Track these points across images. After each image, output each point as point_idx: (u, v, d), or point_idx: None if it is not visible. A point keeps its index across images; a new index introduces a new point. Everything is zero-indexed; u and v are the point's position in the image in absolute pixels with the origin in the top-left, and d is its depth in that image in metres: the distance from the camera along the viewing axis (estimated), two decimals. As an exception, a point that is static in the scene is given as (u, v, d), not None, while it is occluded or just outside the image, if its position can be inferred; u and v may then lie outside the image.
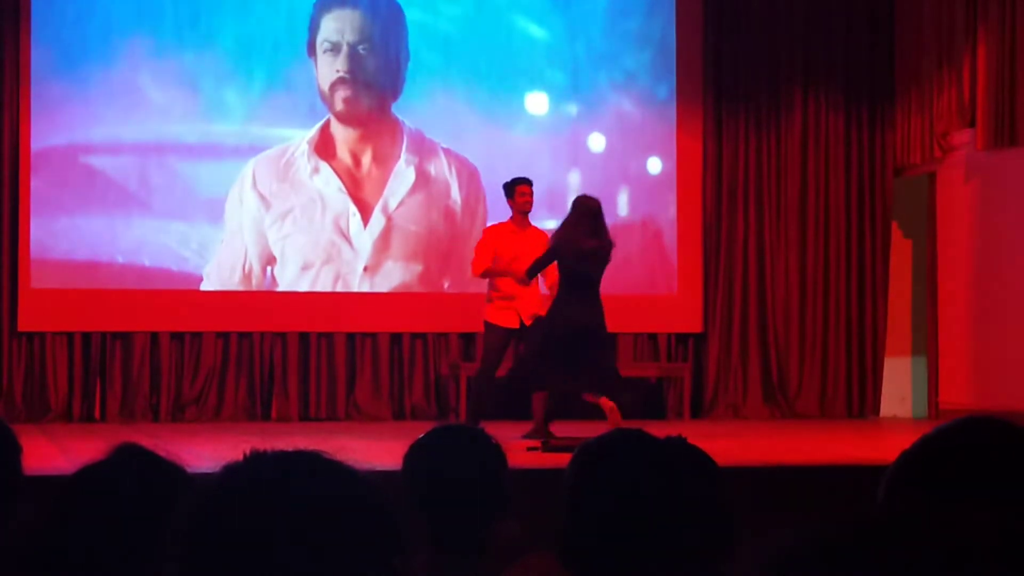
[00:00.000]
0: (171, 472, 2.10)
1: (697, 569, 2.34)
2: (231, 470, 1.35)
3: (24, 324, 12.09)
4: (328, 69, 12.75)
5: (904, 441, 2.13)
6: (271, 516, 1.28)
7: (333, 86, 12.75)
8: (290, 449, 1.37)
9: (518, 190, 10.29)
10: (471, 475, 2.75)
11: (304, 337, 12.66)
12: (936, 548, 0.99)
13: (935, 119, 13.03)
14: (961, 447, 2.08)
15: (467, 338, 12.76)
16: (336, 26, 12.81)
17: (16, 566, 2.14)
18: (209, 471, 1.41)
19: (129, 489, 2.07)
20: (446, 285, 12.91)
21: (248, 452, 1.37)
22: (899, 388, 13.80)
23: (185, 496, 1.35)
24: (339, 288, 12.66)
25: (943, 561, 0.98)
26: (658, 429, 2.61)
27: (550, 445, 8.73)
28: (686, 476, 2.39)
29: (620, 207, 13.31)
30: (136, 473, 2.11)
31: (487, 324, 10.35)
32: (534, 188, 10.60)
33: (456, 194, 12.95)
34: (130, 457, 2.17)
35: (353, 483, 1.33)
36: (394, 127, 12.91)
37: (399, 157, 12.87)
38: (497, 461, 2.81)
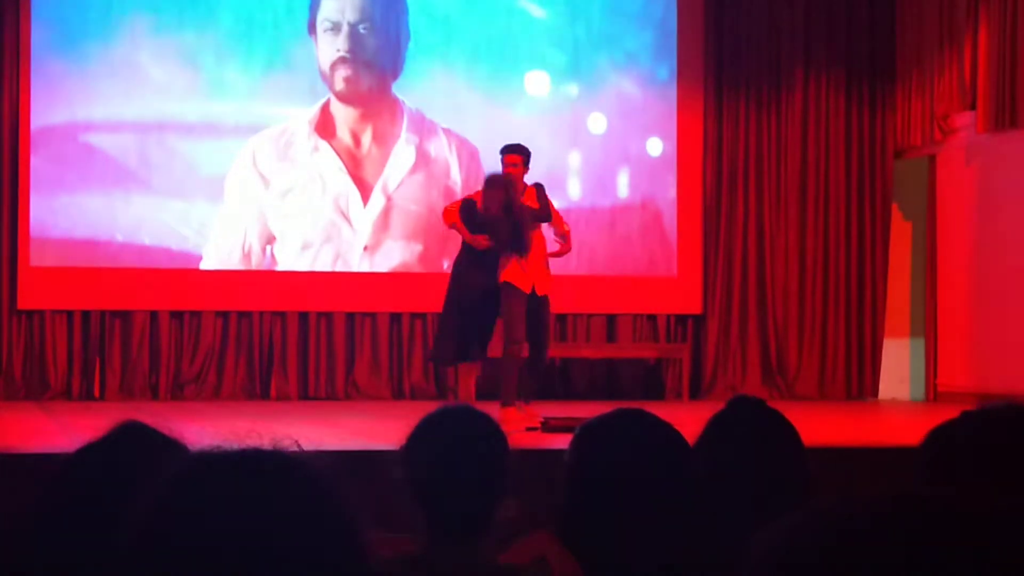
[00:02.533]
0: (173, 450, 2.11)
1: (696, 547, 2.35)
2: (175, 480, 1.33)
3: (24, 302, 12.09)
4: (328, 48, 12.73)
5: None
6: (216, 524, 1.27)
7: (333, 65, 12.73)
8: (231, 449, 1.34)
9: (504, 160, 9.88)
10: (472, 457, 2.75)
11: (303, 316, 12.67)
12: (961, 534, 0.99)
13: (936, 101, 13.02)
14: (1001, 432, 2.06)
15: (466, 318, 12.74)
16: (337, 5, 12.78)
17: (16, 544, 2.14)
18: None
19: (131, 467, 2.07)
20: (446, 265, 12.88)
21: (190, 459, 1.35)
22: (898, 370, 13.81)
23: (132, 507, 1.33)
24: (339, 267, 12.66)
25: (967, 547, 0.98)
26: (656, 410, 2.61)
27: (549, 425, 8.74)
28: (686, 454, 2.40)
29: (620, 188, 13.31)
30: (138, 451, 2.11)
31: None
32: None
33: (456, 174, 12.94)
34: (132, 435, 2.17)
35: (298, 479, 1.32)
36: (394, 107, 12.90)
37: (399, 137, 12.86)
38: (498, 443, 2.82)
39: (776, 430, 2.86)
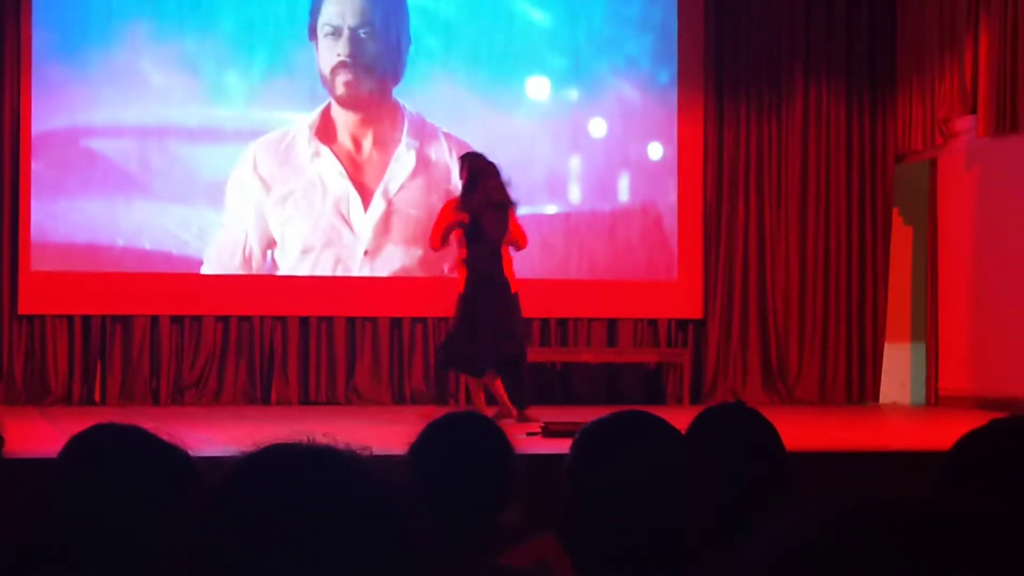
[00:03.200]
0: (175, 456, 2.10)
1: (698, 551, 2.35)
2: (246, 464, 1.33)
3: (24, 307, 12.09)
4: (329, 53, 12.74)
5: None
6: (285, 515, 1.27)
7: (334, 70, 12.73)
8: (304, 442, 1.35)
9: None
10: (478, 463, 2.76)
11: (304, 321, 12.67)
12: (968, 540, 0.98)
13: (936, 105, 13.02)
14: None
15: (467, 323, 12.75)
16: (337, 10, 12.79)
17: (20, 551, 2.14)
18: (214, 456, 1.39)
19: (132, 472, 2.07)
20: (446, 269, 12.89)
21: (261, 446, 1.35)
22: (899, 375, 13.81)
23: (195, 488, 1.34)
24: (339, 272, 12.66)
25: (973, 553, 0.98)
26: (657, 415, 2.61)
27: (550, 430, 8.74)
28: (687, 457, 2.40)
29: (621, 192, 13.31)
30: (139, 456, 2.11)
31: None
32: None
33: (457, 178, 12.93)
34: (133, 440, 2.17)
35: (369, 481, 1.32)
36: (395, 111, 12.90)
37: (400, 141, 12.86)
38: (504, 450, 2.83)
39: (752, 434, 2.89)
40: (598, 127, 13.28)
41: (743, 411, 2.96)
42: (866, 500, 1.02)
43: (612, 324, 13.30)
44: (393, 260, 12.80)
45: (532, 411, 9.93)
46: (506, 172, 10.24)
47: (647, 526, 2.31)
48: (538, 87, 13.22)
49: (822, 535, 1.01)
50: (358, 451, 1.36)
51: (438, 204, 12.75)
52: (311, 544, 1.25)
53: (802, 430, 10.09)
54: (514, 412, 9.88)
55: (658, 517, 2.32)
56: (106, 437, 2.15)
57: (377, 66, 12.89)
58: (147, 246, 12.31)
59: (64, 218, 12.14)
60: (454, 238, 10.07)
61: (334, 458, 1.33)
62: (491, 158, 10.23)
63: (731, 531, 2.60)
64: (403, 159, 12.85)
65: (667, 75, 13.41)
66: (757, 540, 1.02)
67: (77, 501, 2.07)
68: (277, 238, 12.54)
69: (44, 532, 2.09)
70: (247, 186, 12.51)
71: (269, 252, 12.54)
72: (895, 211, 13.87)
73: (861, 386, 13.63)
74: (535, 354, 11.87)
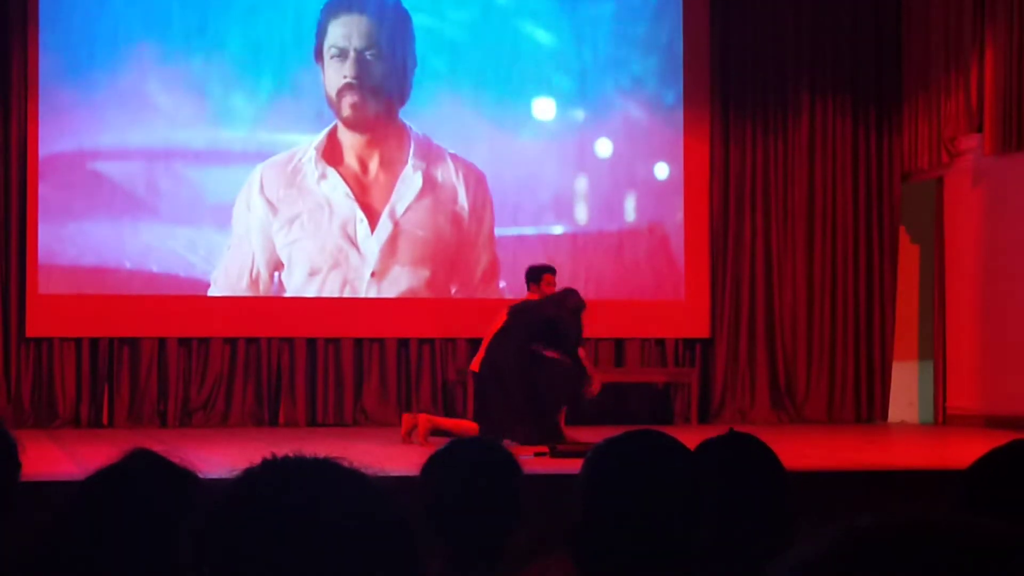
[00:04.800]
0: (184, 478, 2.11)
1: (713, 570, 2.35)
2: (248, 476, 1.34)
3: (32, 330, 12.10)
4: (335, 75, 12.76)
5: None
6: (287, 525, 1.28)
7: (340, 92, 12.76)
8: (307, 456, 1.36)
9: (546, 279, 10.53)
10: (487, 487, 2.77)
11: (311, 343, 12.67)
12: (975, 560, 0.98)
13: (943, 124, 13.02)
14: None
15: (474, 343, 12.74)
16: (343, 32, 12.82)
17: (28, 572, 2.14)
18: (222, 476, 1.41)
19: (141, 494, 2.07)
20: (453, 290, 12.92)
21: (265, 457, 1.37)
22: (907, 393, 13.79)
23: (200, 501, 1.35)
24: (346, 293, 12.67)
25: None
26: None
27: (558, 451, 8.74)
28: (701, 477, 2.40)
29: (627, 212, 13.32)
30: (149, 478, 2.11)
31: None
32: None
33: (463, 199, 12.95)
34: (142, 462, 2.17)
35: (369, 491, 1.33)
36: (401, 132, 12.92)
37: (406, 162, 12.88)
38: (513, 473, 2.84)
39: (752, 461, 2.90)
40: (604, 147, 13.30)
41: (740, 438, 2.97)
42: (891, 519, 1.01)
43: (619, 344, 13.30)
44: (400, 281, 12.81)
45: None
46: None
47: (660, 545, 2.31)
48: (544, 108, 13.24)
49: (855, 550, 1.00)
50: (360, 467, 1.37)
51: (445, 225, 12.79)
52: (312, 553, 1.26)
53: (811, 449, 10.07)
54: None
55: (671, 536, 2.31)
56: (141, 462, 2.16)
57: (383, 88, 12.91)
58: (154, 268, 12.32)
59: (71, 241, 12.16)
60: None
61: (335, 470, 1.34)
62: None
63: (734, 552, 2.61)
64: (410, 180, 12.86)
65: (673, 95, 13.43)
66: (789, 555, 1.02)
67: (98, 524, 2.08)
68: (284, 260, 12.55)
69: (63, 553, 2.09)
70: (254, 208, 12.52)
71: (276, 274, 12.55)
72: (902, 229, 13.87)
73: (869, 405, 13.62)
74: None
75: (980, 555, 0.98)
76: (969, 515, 1.02)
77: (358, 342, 12.76)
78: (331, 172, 12.69)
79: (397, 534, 1.31)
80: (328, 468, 1.34)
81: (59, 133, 12.18)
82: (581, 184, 13.25)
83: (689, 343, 13.46)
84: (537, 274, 10.59)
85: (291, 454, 1.36)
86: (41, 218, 12.10)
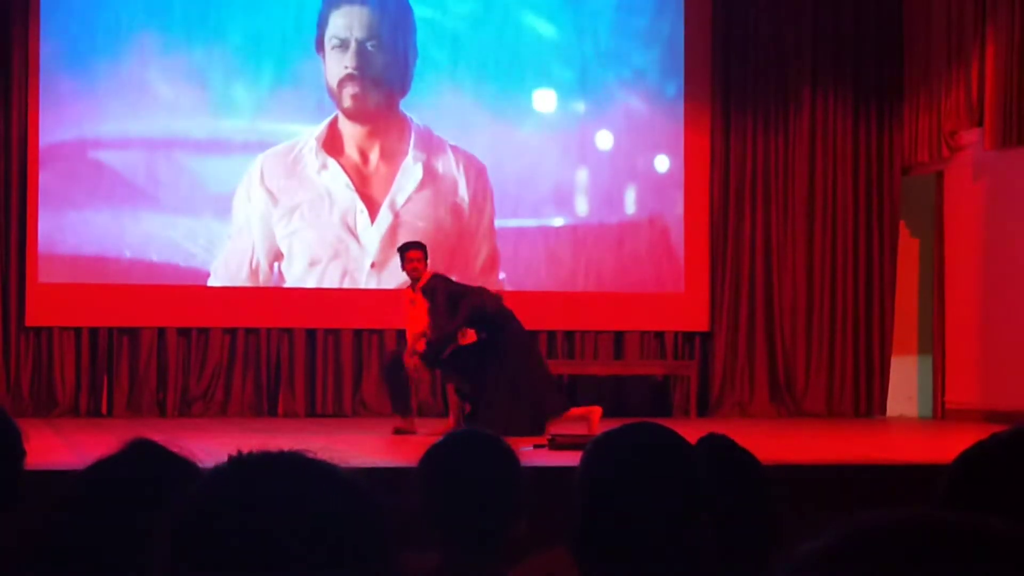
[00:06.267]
0: (184, 467, 2.11)
1: (714, 563, 2.35)
2: (217, 473, 1.35)
3: (32, 319, 12.11)
4: (336, 65, 12.76)
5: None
6: (257, 521, 1.28)
7: (341, 82, 12.76)
8: (273, 450, 1.37)
9: (409, 256, 10.31)
10: (486, 480, 2.77)
11: (311, 333, 12.67)
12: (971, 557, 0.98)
13: (943, 118, 13.02)
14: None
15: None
16: (345, 22, 12.81)
17: (28, 561, 2.14)
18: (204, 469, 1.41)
19: (142, 484, 2.07)
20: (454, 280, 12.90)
21: (232, 455, 1.37)
22: (906, 387, 13.80)
23: (171, 502, 1.35)
24: (346, 284, 12.67)
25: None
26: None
27: (557, 443, 8.74)
28: (702, 469, 2.40)
29: (627, 205, 13.32)
30: (149, 468, 2.11)
31: None
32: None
33: (463, 191, 12.95)
34: (143, 452, 2.18)
35: (338, 484, 1.33)
36: (402, 124, 12.92)
37: (407, 154, 12.88)
38: (511, 465, 2.84)
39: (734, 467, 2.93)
40: (605, 139, 13.29)
41: (715, 441, 3.01)
42: (895, 515, 1.02)
43: (619, 336, 13.30)
44: (400, 272, 12.78)
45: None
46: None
47: (660, 538, 2.31)
48: (545, 100, 13.23)
49: (842, 553, 1.01)
50: (329, 459, 1.38)
51: (445, 216, 12.79)
52: (282, 548, 1.27)
53: (809, 443, 10.08)
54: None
55: (671, 528, 2.32)
56: (141, 452, 2.17)
57: (384, 79, 12.91)
58: (154, 258, 12.32)
59: (71, 230, 12.16)
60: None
61: (303, 464, 1.34)
62: None
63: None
64: (410, 171, 12.86)
65: (674, 88, 13.42)
66: (791, 555, 1.03)
67: (99, 514, 2.08)
68: (284, 250, 12.55)
69: (63, 543, 2.10)
70: (254, 198, 12.52)
71: (276, 264, 12.55)
72: (902, 223, 13.87)
73: (868, 399, 13.63)
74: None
75: (982, 553, 0.98)
76: (957, 510, 1.02)
77: (358, 333, 12.77)
78: (331, 163, 12.69)
79: (368, 526, 1.31)
80: (296, 462, 1.34)
81: (60, 122, 12.17)
82: (582, 176, 13.24)
83: (688, 336, 13.46)
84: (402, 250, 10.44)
85: (256, 450, 1.37)
86: (41, 207, 12.10)
